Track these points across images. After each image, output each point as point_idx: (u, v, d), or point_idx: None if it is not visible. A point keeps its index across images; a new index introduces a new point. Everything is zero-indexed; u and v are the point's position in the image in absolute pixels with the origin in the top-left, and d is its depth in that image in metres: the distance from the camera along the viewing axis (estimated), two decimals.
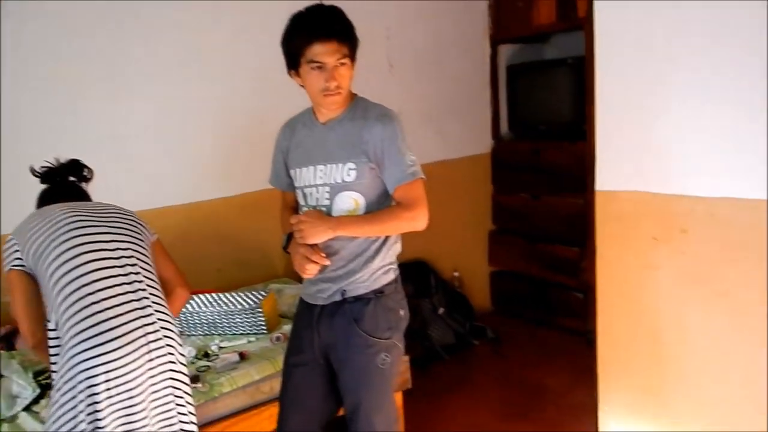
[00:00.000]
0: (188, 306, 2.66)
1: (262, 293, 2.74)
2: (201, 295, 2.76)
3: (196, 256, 3.03)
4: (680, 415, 2.22)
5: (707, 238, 2.08)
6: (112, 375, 1.64)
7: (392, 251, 1.95)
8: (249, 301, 2.67)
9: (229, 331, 2.63)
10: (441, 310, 3.56)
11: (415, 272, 3.68)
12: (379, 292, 1.90)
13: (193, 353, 2.43)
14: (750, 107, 1.91)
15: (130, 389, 1.67)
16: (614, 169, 2.32)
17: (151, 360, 1.72)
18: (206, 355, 2.44)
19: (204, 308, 2.66)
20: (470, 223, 4.09)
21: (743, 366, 2.04)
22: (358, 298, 1.90)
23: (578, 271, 3.46)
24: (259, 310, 2.60)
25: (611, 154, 2.32)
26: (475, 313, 3.81)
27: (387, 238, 1.92)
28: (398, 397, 2.57)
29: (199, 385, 2.19)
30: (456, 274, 3.95)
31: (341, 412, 2.04)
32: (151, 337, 1.73)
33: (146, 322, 1.74)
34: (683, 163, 2.10)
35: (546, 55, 4.18)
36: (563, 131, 3.63)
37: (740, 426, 2.03)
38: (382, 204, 1.89)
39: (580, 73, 3.35)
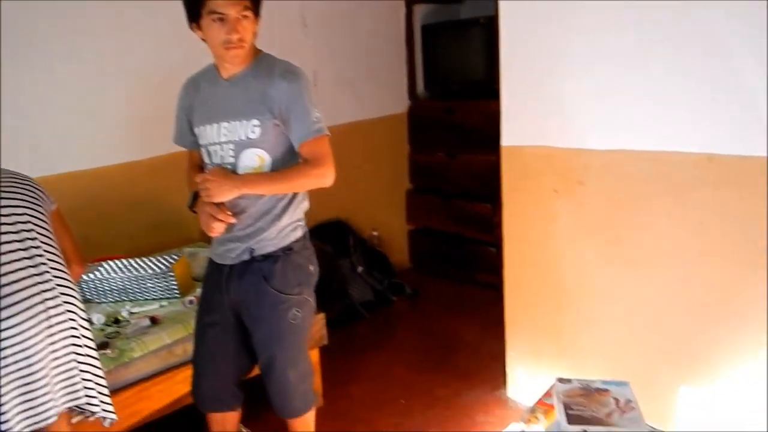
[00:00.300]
0: (97, 273, 2.59)
1: (174, 257, 2.69)
2: (111, 262, 2.68)
3: (106, 221, 2.94)
4: (580, 356, 2.36)
5: (602, 190, 2.20)
6: (8, 342, 1.58)
7: (300, 209, 1.95)
8: (160, 265, 2.61)
9: (141, 296, 2.57)
10: (360, 269, 3.61)
11: (333, 232, 3.70)
12: (287, 249, 1.91)
13: (103, 320, 2.37)
14: (639, 66, 2.01)
15: (29, 356, 1.62)
16: (518, 126, 2.39)
17: (51, 327, 1.68)
18: (116, 322, 2.39)
19: (114, 274, 2.59)
20: (388, 183, 4.13)
21: (636, 308, 2.19)
22: (266, 257, 1.89)
23: (492, 226, 3.57)
24: (171, 274, 2.55)
25: (515, 111, 2.40)
26: (394, 271, 3.88)
27: (294, 195, 1.92)
28: (315, 354, 2.61)
29: (108, 351, 2.15)
30: (375, 233, 4.00)
31: (256, 371, 2.06)
32: (50, 303, 1.68)
33: (44, 288, 1.68)
34: (581, 119, 2.20)
35: (461, 15, 4.21)
36: (476, 90, 3.70)
37: (632, 362, 2.19)
38: (287, 161, 1.88)
39: (492, 32, 3.39)
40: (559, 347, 2.42)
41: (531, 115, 2.34)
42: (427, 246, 4.19)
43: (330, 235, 3.68)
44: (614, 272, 2.22)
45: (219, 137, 1.87)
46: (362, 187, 3.93)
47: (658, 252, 2.10)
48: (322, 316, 2.65)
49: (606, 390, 1.47)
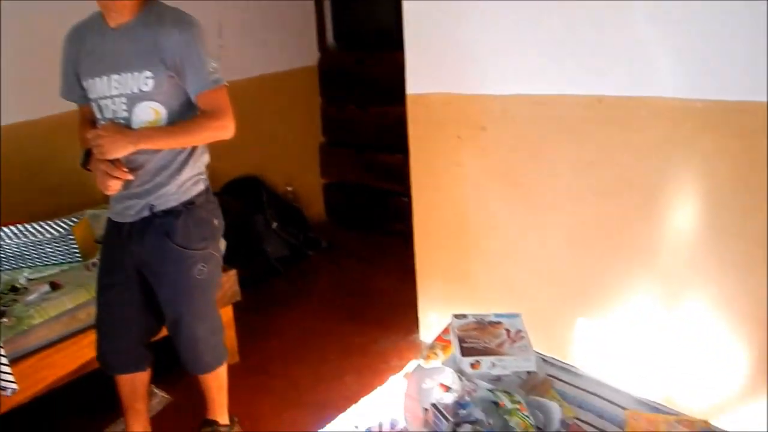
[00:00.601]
0: None
1: (74, 219, 2.57)
2: (5, 228, 2.54)
3: None
4: (487, 296, 2.46)
5: (502, 134, 2.26)
6: None
7: (200, 162, 1.91)
8: (59, 228, 2.50)
9: (40, 261, 2.46)
10: (275, 225, 3.58)
11: (247, 189, 3.65)
12: (189, 204, 1.87)
13: None
14: (534, 14, 2.05)
15: None
16: (421, 73, 2.41)
17: None
18: (14, 289, 2.28)
19: (9, 240, 2.45)
20: (301, 137, 4.09)
21: (538, 248, 2.29)
22: (167, 212, 1.85)
23: (404, 176, 3.60)
24: (71, 237, 2.45)
25: (418, 59, 2.41)
26: (309, 225, 3.88)
27: (194, 148, 1.87)
28: (228, 311, 2.60)
29: (5, 320, 2.05)
30: (289, 188, 3.97)
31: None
32: None
33: None
34: (480, 65, 2.23)
35: None
36: (386, 41, 3.67)
37: (535, 299, 2.30)
38: (185, 114, 1.82)
39: None
40: (468, 289, 2.51)
41: (433, 62, 2.36)
42: (342, 199, 4.20)
43: (243, 192, 3.62)
44: (517, 214, 2.31)
45: (110, 90, 1.79)
46: (275, 142, 3.87)
47: (555, 193, 2.19)
48: (234, 272, 2.63)
49: (499, 322, 1.55)
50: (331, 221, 4.26)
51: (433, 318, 2.69)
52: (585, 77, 2.01)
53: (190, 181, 1.88)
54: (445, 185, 2.46)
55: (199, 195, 1.90)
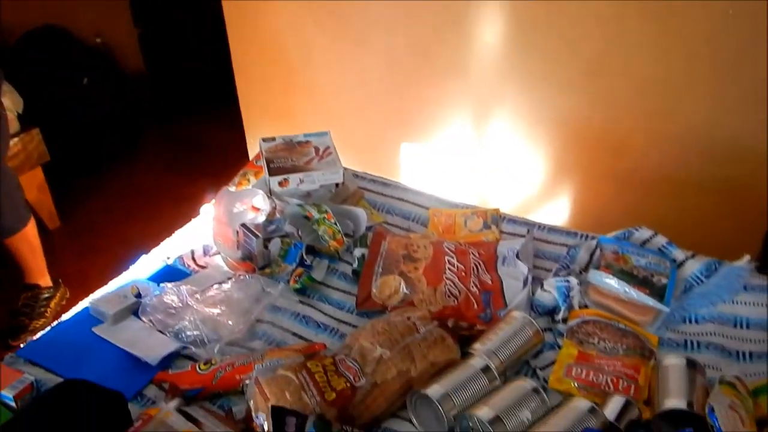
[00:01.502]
0: None
1: None
2: None
3: None
4: (312, 129, 2.43)
5: None
6: None
7: None
8: None
9: None
10: (85, 80, 3.24)
11: (48, 41, 3.22)
12: None
13: None
14: None
15: None
16: None
17: None
18: None
19: None
20: None
21: (358, 77, 2.26)
22: None
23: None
24: None
25: None
26: (127, 81, 3.56)
27: None
28: (38, 173, 2.40)
29: None
30: (98, 39, 3.57)
31: None
32: None
33: None
34: None
35: None
36: None
37: (360, 127, 2.32)
38: None
39: None
40: (292, 123, 2.46)
41: None
42: (161, 48, 3.86)
43: (44, 45, 3.21)
44: (334, 43, 2.24)
45: None
46: None
47: (369, 20, 2.14)
48: (36, 131, 2.39)
49: (307, 142, 1.54)
50: (152, 75, 3.93)
51: None
52: None
53: None
54: (261, 19, 2.32)
55: None
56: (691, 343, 1.17)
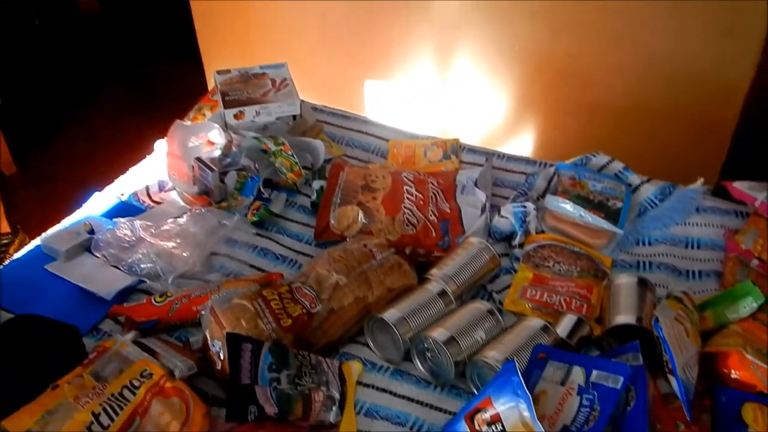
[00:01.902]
0: None
1: None
2: None
3: None
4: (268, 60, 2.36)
5: None
6: None
7: None
8: None
9: None
10: (37, 22, 3.11)
11: None
12: None
13: None
14: None
15: None
16: None
17: None
18: None
19: None
20: None
21: (322, 17, 2.19)
22: None
23: None
24: None
25: None
26: (82, 17, 3.42)
27: None
28: None
29: None
30: None
31: None
32: None
33: None
34: None
35: None
36: None
37: (323, 66, 2.27)
38: None
39: None
40: (253, 60, 2.37)
41: None
42: None
43: None
44: None
45: None
46: None
47: None
48: None
49: (264, 74, 1.50)
50: (106, 12, 3.76)
51: None
52: None
53: None
54: None
55: None
56: (644, 264, 1.19)
